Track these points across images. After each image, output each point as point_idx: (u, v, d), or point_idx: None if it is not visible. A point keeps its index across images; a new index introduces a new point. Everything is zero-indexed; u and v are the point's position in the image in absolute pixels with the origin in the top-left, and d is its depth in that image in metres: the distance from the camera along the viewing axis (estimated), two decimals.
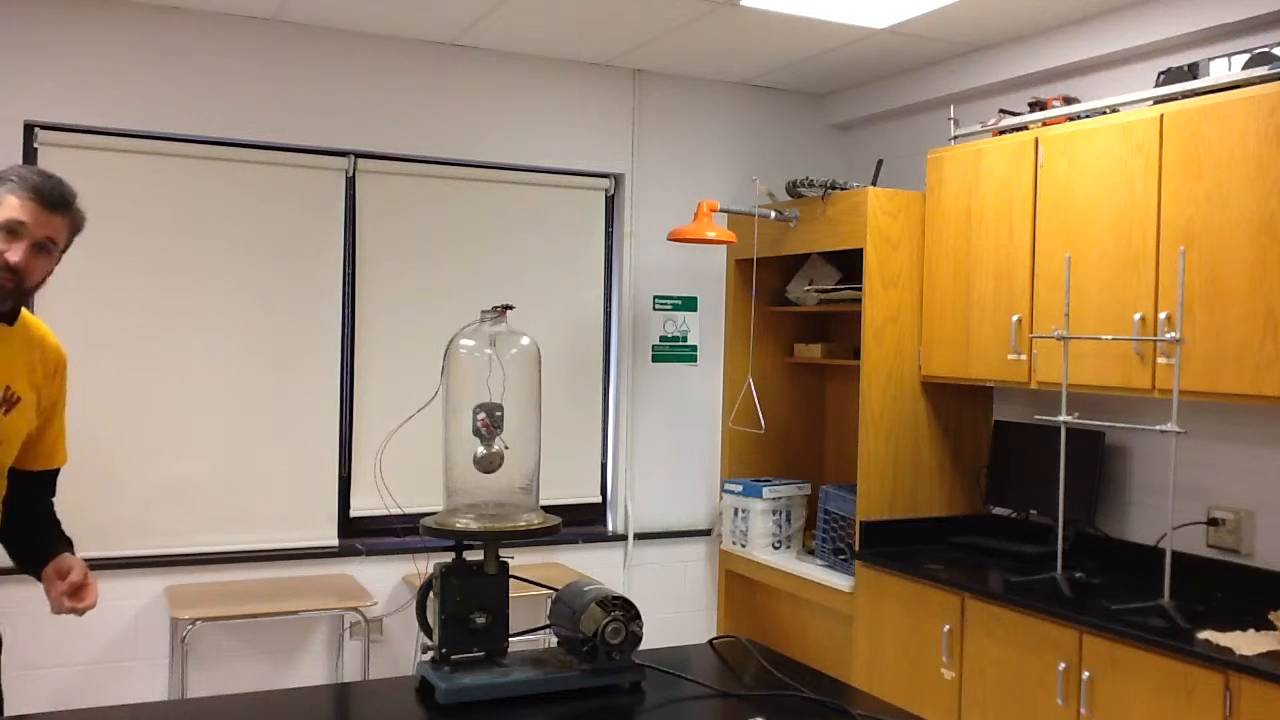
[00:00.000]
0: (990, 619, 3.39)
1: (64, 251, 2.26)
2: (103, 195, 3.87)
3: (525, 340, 2.33)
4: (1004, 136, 3.74)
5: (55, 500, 2.46)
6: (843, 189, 4.16)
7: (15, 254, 2.11)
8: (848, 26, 3.99)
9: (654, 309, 4.77)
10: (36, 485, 2.39)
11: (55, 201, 2.17)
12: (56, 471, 2.45)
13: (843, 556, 4.08)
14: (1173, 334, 3.03)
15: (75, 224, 2.24)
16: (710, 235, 4.24)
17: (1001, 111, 3.86)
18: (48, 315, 3.74)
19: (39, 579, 2.29)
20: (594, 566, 4.53)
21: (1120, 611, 3.05)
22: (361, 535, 4.29)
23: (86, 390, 3.49)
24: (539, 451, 2.34)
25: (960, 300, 3.86)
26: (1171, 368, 3.06)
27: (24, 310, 2.28)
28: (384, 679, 3.31)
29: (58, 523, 2.45)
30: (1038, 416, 3.46)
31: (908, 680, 3.70)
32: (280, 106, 4.12)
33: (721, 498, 4.75)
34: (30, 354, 2.28)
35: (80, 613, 2.23)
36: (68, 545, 2.39)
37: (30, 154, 3.82)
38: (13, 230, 2.11)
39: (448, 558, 2.20)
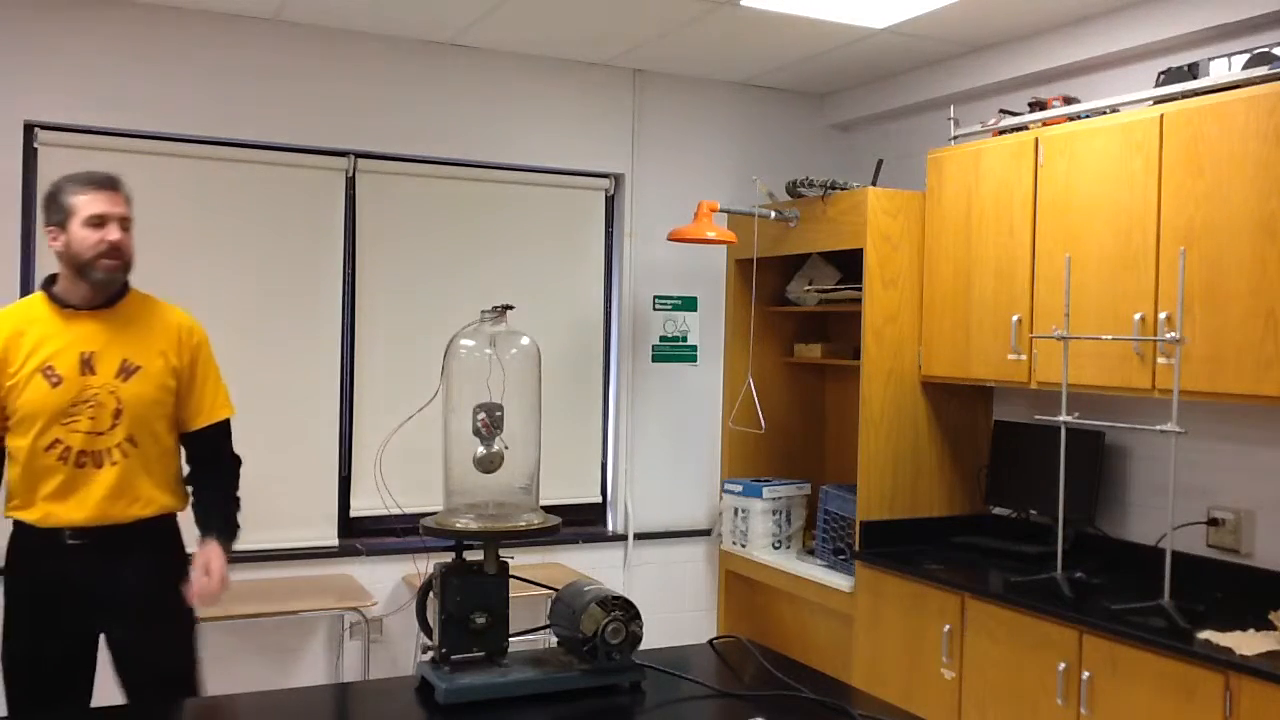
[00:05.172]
0: (990, 619, 3.39)
1: None
2: None
3: (525, 340, 2.33)
4: (1004, 136, 3.74)
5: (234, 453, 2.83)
6: (843, 189, 4.16)
7: (113, 233, 2.54)
8: (847, 26, 3.99)
9: (654, 309, 4.77)
10: (204, 441, 2.75)
11: (112, 183, 2.60)
12: (223, 424, 2.79)
13: (843, 556, 4.08)
14: (1173, 334, 3.03)
15: (130, 200, 2.64)
16: (710, 235, 4.24)
17: (1001, 111, 3.86)
18: None
19: None
20: (594, 566, 4.53)
21: (1120, 611, 3.05)
22: (361, 535, 4.29)
23: None
24: (539, 451, 2.34)
25: (960, 300, 3.86)
26: (1171, 368, 3.06)
27: (134, 290, 2.69)
28: (384, 679, 3.31)
29: (221, 492, 2.78)
30: (1038, 416, 3.46)
31: (908, 680, 3.70)
32: (280, 106, 4.12)
33: (721, 498, 4.75)
34: (148, 327, 2.66)
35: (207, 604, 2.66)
36: (220, 525, 2.71)
37: (30, 154, 3.82)
38: (99, 221, 2.53)
39: (448, 558, 2.20)
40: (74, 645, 2.64)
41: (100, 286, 2.59)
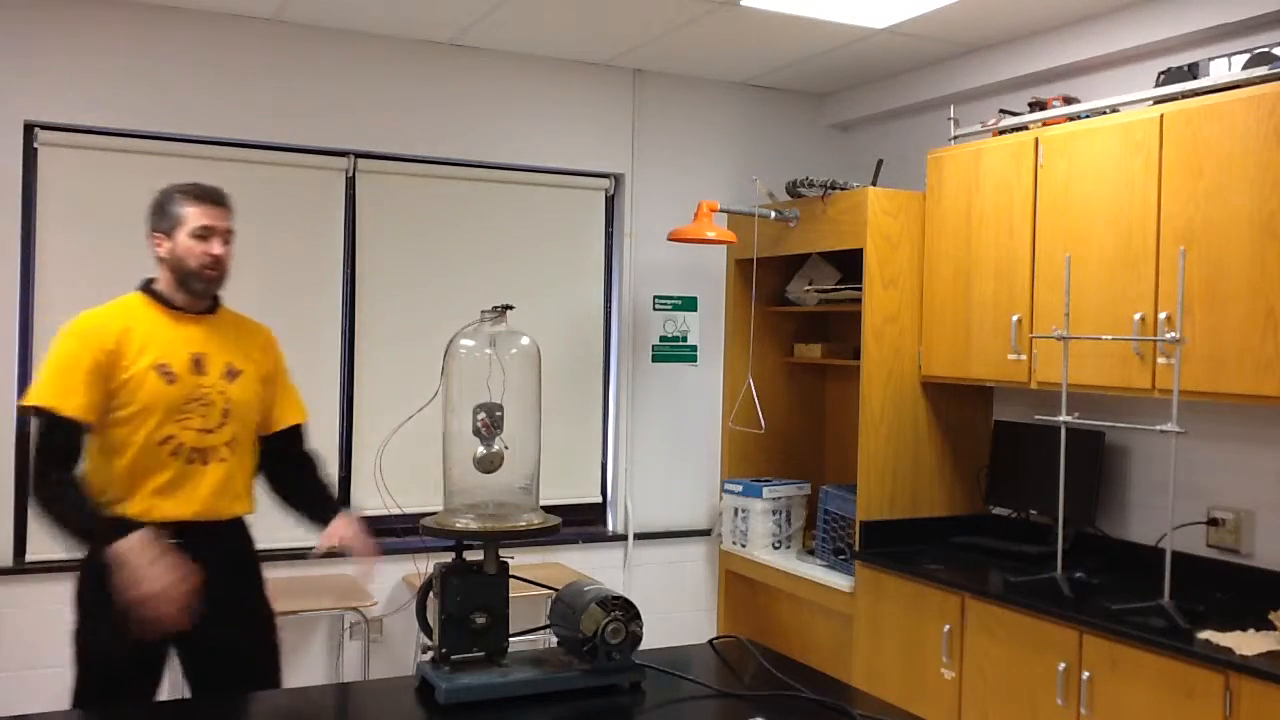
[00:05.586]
0: (990, 619, 3.39)
1: None
2: (103, 195, 3.87)
3: (525, 340, 2.33)
4: (1004, 136, 3.74)
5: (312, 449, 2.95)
6: (843, 189, 4.16)
7: (216, 247, 2.66)
8: (848, 26, 3.99)
9: (654, 309, 4.77)
10: (291, 438, 2.90)
11: (220, 197, 2.71)
12: (298, 427, 2.92)
13: (843, 556, 4.08)
14: (1173, 334, 3.03)
15: (234, 213, 2.74)
16: (710, 235, 4.24)
17: (1001, 111, 3.86)
18: (48, 314, 3.74)
19: None
20: (594, 566, 4.53)
21: (1120, 611, 3.05)
22: None
23: None
24: (539, 451, 2.34)
25: (960, 300, 3.86)
26: (1171, 368, 3.06)
27: (223, 305, 2.83)
28: (384, 679, 3.31)
29: (321, 472, 2.95)
30: (1038, 416, 3.46)
31: (908, 680, 3.70)
32: (280, 106, 4.12)
33: (721, 498, 4.75)
34: (240, 335, 2.80)
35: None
36: (336, 498, 2.95)
37: (30, 154, 3.82)
38: (205, 233, 2.64)
39: (448, 558, 2.20)
40: (156, 647, 2.63)
41: (198, 295, 2.71)
